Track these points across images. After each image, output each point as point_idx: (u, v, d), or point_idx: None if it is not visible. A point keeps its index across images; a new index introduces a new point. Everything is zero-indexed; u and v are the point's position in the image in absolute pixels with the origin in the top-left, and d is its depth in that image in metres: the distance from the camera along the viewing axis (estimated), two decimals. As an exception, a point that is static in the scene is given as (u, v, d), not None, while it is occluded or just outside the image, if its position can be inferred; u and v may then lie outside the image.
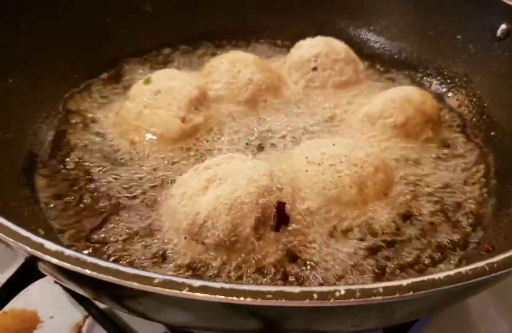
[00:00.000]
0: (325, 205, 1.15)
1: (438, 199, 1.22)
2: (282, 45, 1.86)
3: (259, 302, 0.61)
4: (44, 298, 1.12)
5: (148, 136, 1.35)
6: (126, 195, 1.19)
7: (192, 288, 0.62)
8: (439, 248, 1.10)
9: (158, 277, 0.63)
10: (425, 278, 0.63)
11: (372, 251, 1.08)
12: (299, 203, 1.15)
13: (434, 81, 1.69)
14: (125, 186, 1.21)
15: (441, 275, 0.63)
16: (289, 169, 1.24)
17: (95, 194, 1.19)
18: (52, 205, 1.16)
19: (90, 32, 1.64)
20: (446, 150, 1.38)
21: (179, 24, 1.81)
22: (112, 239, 1.08)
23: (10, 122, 1.29)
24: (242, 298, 0.61)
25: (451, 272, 0.63)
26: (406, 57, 1.78)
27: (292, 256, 1.05)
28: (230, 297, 0.61)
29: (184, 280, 0.63)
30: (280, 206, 1.09)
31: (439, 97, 1.61)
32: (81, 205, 1.16)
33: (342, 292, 0.61)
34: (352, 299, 0.61)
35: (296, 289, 0.61)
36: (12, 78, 1.38)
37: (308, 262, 1.04)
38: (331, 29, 1.79)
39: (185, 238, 1.05)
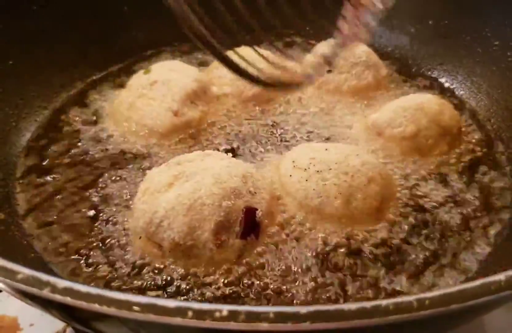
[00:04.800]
0: (305, 217, 1.02)
1: (436, 230, 1.04)
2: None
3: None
4: (25, 305, 1.07)
5: (138, 128, 1.28)
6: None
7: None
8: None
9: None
10: (330, 307, 0.50)
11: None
12: (276, 212, 1.03)
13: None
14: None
15: (353, 306, 0.50)
16: (273, 173, 1.12)
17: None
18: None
19: (104, 21, 1.58)
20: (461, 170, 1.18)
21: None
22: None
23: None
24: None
25: (367, 304, 0.50)
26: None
27: (252, 274, 0.94)
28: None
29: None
30: (249, 211, 0.96)
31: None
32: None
33: (224, 313, 0.50)
34: (232, 322, 0.50)
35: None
36: (13, 60, 1.36)
37: (270, 284, 0.92)
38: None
39: (140, 238, 0.97)
